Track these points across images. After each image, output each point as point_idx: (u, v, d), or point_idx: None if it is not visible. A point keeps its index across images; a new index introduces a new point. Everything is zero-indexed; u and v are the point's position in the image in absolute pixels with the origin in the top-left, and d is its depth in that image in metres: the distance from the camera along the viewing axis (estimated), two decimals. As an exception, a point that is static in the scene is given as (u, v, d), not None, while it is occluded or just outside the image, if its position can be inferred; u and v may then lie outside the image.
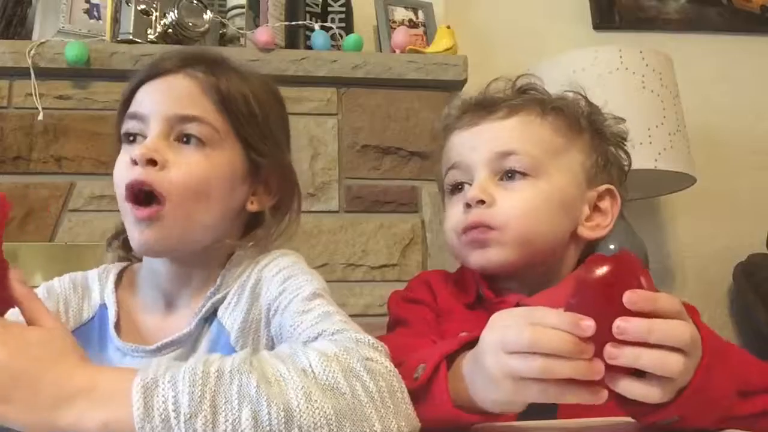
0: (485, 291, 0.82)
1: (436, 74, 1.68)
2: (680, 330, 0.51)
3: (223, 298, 0.74)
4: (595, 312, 0.51)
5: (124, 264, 0.82)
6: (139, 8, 1.57)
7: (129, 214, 0.72)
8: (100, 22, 1.63)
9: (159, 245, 0.72)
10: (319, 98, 1.66)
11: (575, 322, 0.50)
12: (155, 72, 0.76)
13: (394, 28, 1.78)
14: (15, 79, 1.54)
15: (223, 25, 1.70)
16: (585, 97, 0.89)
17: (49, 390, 0.49)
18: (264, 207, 0.79)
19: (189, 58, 0.78)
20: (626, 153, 0.89)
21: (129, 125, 0.75)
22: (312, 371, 0.52)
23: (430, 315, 0.82)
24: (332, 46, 1.70)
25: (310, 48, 1.69)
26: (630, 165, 0.90)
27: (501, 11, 2.12)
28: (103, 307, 0.77)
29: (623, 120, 0.90)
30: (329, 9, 1.77)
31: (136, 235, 0.72)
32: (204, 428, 0.48)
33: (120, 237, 0.82)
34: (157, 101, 0.74)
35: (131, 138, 0.75)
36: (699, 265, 2.10)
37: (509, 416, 0.66)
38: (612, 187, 0.85)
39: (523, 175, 0.80)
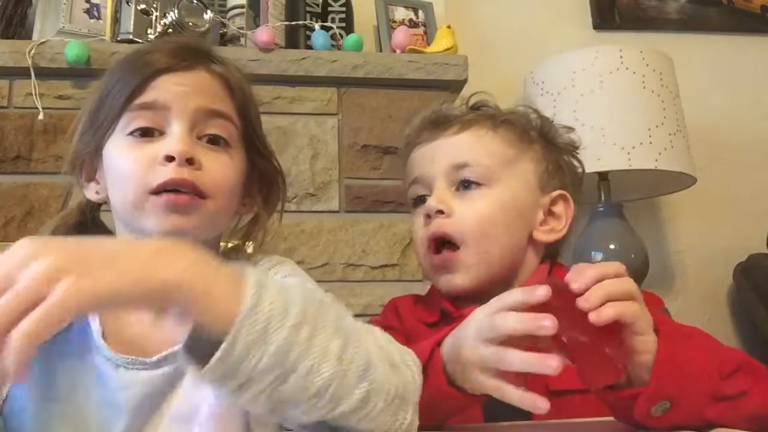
0: (446, 305, 0.86)
1: (436, 74, 1.67)
2: (625, 282, 0.58)
3: None
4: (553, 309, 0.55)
5: None
6: (139, 8, 1.57)
7: (155, 203, 0.67)
8: (100, 21, 1.62)
9: (187, 233, 0.67)
10: (319, 98, 1.66)
11: (529, 290, 0.57)
12: (170, 65, 0.72)
13: (395, 28, 1.78)
14: (15, 79, 1.54)
15: (224, 25, 1.69)
16: (535, 110, 0.93)
17: (141, 245, 0.46)
18: (258, 209, 0.79)
19: (201, 51, 0.75)
20: (578, 160, 0.94)
21: (143, 117, 0.70)
22: (378, 343, 0.53)
23: (400, 339, 0.84)
24: (332, 46, 1.69)
25: (310, 48, 1.69)
26: (583, 170, 0.95)
27: (501, 11, 2.12)
28: None
29: (573, 129, 0.95)
30: (329, 9, 1.77)
31: (165, 221, 0.67)
32: (305, 341, 0.47)
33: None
34: (182, 94, 0.70)
35: (137, 132, 0.70)
36: (699, 265, 2.09)
37: (476, 417, 0.71)
38: (565, 192, 0.89)
39: (478, 184, 0.85)
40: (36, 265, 0.41)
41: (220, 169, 0.70)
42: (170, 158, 0.67)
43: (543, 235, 0.87)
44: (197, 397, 0.66)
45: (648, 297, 0.81)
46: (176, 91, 0.70)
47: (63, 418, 0.67)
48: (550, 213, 0.88)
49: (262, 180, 0.80)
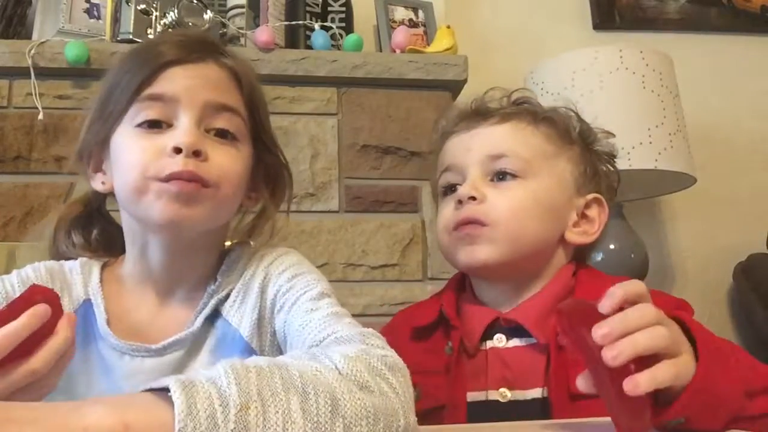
0: (447, 309, 0.85)
1: (436, 74, 1.67)
2: (648, 309, 0.54)
3: (227, 295, 0.74)
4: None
5: (103, 260, 0.78)
6: (139, 8, 1.57)
7: (160, 188, 0.67)
8: (100, 21, 1.63)
9: (189, 222, 0.68)
10: (319, 98, 1.66)
11: None
12: (180, 58, 0.72)
13: (395, 28, 1.78)
14: (15, 78, 1.54)
15: (223, 25, 1.69)
16: (577, 114, 0.91)
17: (62, 406, 0.43)
18: (265, 202, 0.80)
19: (211, 44, 0.76)
20: (615, 169, 0.93)
21: (152, 109, 0.70)
22: (339, 371, 0.51)
23: None
24: (332, 45, 1.70)
25: (310, 48, 1.69)
26: (619, 181, 0.93)
27: (501, 11, 2.12)
28: (87, 302, 0.73)
29: (613, 135, 0.93)
30: (329, 9, 1.77)
31: (167, 209, 0.67)
32: (256, 421, 0.44)
33: (78, 231, 0.78)
34: (191, 87, 0.70)
35: (145, 123, 0.70)
36: (699, 265, 2.10)
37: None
38: (600, 196, 0.87)
39: (514, 176, 0.83)
40: None
41: (227, 162, 0.70)
42: (178, 150, 0.67)
43: (575, 237, 0.85)
44: None
45: (682, 305, 0.79)
46: (185, 84, 0.70)
47: None
48: (583, 216, 0.86)
49: (269, 174, 0.80)
